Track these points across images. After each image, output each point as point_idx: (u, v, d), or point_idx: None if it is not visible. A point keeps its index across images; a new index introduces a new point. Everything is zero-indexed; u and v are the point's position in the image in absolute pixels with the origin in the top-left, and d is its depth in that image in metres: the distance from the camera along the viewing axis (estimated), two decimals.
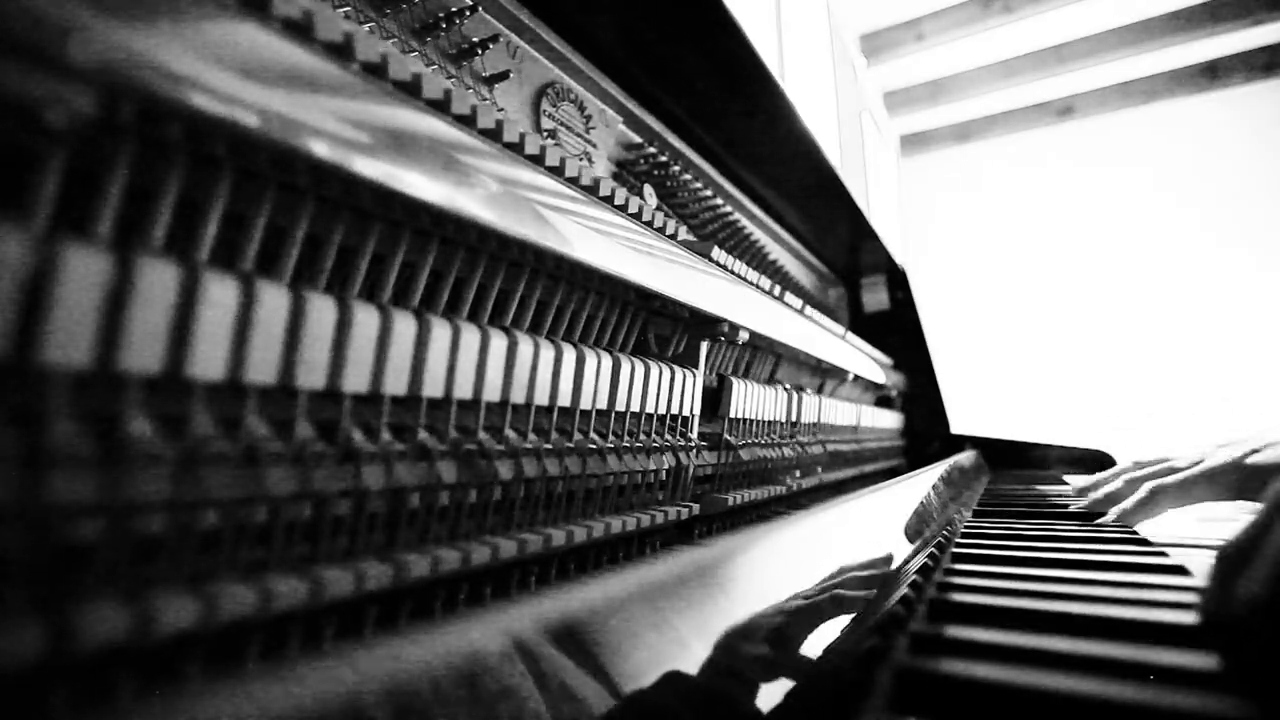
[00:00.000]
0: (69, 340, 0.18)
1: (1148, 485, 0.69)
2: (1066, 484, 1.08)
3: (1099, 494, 0.75)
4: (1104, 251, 2.89)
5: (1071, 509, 0.77)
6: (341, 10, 0.40)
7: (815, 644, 0.29)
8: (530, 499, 0.38)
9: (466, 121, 0.33)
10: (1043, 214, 3.04)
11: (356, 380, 0.27)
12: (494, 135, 0.35)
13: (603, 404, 0.43)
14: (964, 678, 0.28)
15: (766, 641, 0.26)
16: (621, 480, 0.46)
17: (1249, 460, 0.65)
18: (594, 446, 0.42)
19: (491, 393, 0.34)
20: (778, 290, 0.68)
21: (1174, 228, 2.77)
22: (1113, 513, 0.70)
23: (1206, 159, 2.73)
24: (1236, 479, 0.65)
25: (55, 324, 0.18)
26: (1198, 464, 0.68)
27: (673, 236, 0.51)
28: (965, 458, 1.13)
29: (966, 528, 0.66)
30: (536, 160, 0.38)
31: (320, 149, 0.23)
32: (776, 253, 1.11)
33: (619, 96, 0.66)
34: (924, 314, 1.51)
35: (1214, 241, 2.69)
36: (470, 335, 0.32)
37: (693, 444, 0.53)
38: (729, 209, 0.89)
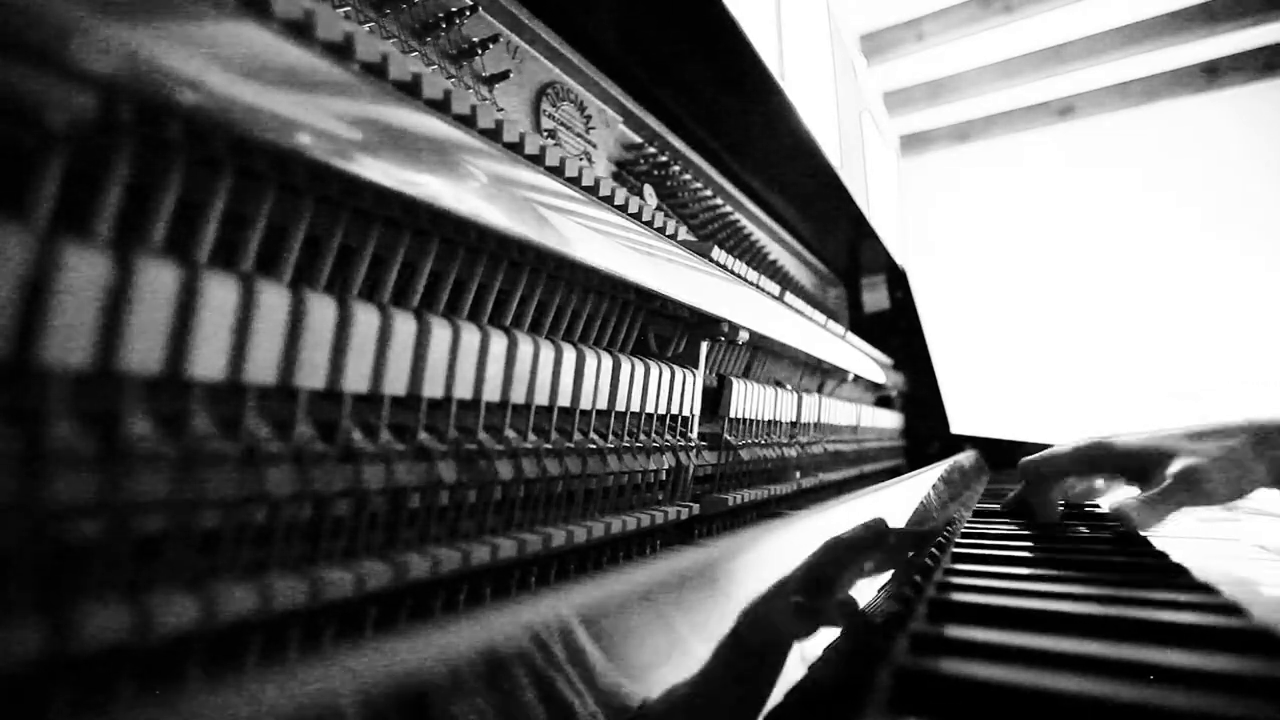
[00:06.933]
0: (69, 340, 0.18)
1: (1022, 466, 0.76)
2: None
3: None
4: (1104, 251, 2.89)
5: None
6: (341, 10, 0.40)
7: (815, 643, 0.29)
8: (530, 499, 0.38)
9: (466, 121, 0.33)
10: (1043, 214, 3.04)
11: (356, 380, 0.27)
12: (494, 135, 0.35)
13: (603, 404, 0.43)
14: (963, 677, 0.28)
15: (766, 641, 0.26)
16: (622, 480, 0.46)
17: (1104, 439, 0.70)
18: (594, 446, 0.42)
19: (491, 393, 0.34)
20: (778, 290, 0.68)
21: (1174, 228, 2.77)
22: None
23: (1206, 159, 2.73)
24: (1092, 456, 0.70)
25: (55, 324, 0.18)
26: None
27: (673, 236, 0.51)
28: (965, 458, 1.13)
29: (966, 527, 0.66)
30: (536, 160, 0.38)
31: (320, 149, 0.23)
32: (776, 253, 1.11)
33: (619, 96, 0.66)
34: (924, 314, 1.51)
35: (1214, 241, 2.69)
36: (470, 335, 0.32)
37: (693, 444, 0.53)
38: (729, 209, 0.89)
